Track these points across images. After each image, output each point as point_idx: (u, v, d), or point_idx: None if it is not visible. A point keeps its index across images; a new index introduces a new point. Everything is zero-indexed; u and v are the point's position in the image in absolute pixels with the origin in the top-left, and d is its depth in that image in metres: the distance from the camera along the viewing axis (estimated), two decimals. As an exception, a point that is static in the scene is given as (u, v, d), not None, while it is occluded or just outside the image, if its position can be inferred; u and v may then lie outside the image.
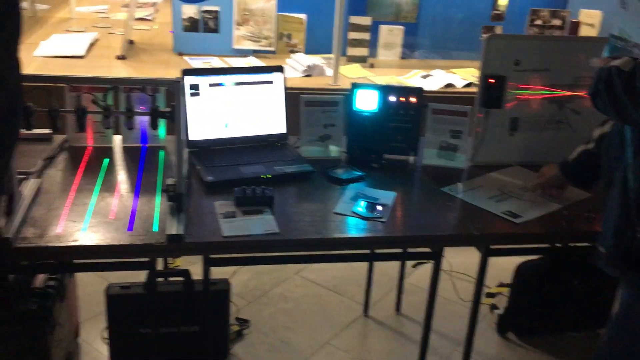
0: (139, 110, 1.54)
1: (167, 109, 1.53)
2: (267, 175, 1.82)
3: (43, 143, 1.97)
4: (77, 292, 2.25)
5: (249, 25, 3.40)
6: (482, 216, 1.72)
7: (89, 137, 2.00)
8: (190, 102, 1.92)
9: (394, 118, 2.01)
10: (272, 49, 3.45)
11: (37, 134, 1.95)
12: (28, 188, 1.64)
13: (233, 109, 1.98)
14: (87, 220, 1.54)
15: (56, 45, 3.26)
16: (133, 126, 1.56)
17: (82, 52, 3.17)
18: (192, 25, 3.36)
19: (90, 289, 2.45)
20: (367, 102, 2.00)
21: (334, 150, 2.04)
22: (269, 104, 2.02)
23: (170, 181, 1.58)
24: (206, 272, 1.70)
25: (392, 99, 2.00)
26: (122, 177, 1.80)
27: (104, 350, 2.21)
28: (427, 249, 1.78)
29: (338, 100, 2.03)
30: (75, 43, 3.29)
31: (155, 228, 1.52)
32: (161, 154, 1.99)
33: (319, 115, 2.02)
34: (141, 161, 1.92)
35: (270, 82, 2.02)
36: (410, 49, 3.74)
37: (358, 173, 1.90)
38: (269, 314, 2.52)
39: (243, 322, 2.41)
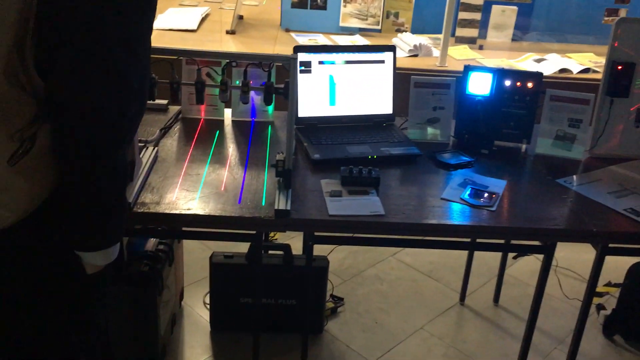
0: (255, 86, 1.57)
1: (281, 86, 1.54)
2: (374, 156, 1.81)
3: (160, 113, 2.05)
4: (183, 257, 2.35)
5: (356, 3, 3.37)
6: (601, 212, 1.62)
7: (202, 110, 2.06)
8: (300, 78, 1.93)
9: (507, 103, 1.93)
10: (378, 27, 3.41)
11: (155, 104, 2.04)
12: (147, 156, 1.71)
13: (342, 87, 1.97)
14: (200, 190, 1.59)
15: (170, 18, 3.38)
16: (248, 101, 1.59)
17: (194, 26, 3.27)
18: (300, 2, 3.38)
19: (194, 256, 2.55)
20: (480, 85, 1.93)
21: (442, 134, 1.99)
22: (377, 83, 2.00)
23: (279, 157, 1.60)
24: (309, 248, 1.72)
25: (508, 83, 1.91)
26: (231, 150, 1.84)
27: (205, 315, 2.31)
28: (532, 242, 1.70)
29: (449, 82, 1.97)
30: (187, 17, 3.40)
31: (263, 202, 1.55)
32: (269, 129, 2.02)
33: (429, 98, 1.97)
34: (250, 135, 1.96)
35: (381, 62, 1.99)
36: (522, 31, 3.57)
37: (466, 158, 1.84)
38: (363, 294, 2.52)
39: (338, 300, 2.43)
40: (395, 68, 2.01)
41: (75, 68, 0.95)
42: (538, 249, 1.68)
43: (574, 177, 1.80)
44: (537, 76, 1.91)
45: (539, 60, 3.07)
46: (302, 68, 1.93)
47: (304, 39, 3.24)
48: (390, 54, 1.99)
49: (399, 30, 3.48)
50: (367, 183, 1.65)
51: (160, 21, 3.30)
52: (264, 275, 2.06)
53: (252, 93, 1.95)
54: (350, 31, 3.40)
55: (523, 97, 1.92)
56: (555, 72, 2.92)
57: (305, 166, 1.77)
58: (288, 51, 3.02)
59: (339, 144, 1.86)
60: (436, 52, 3.08)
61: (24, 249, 1.06)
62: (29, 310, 1.10)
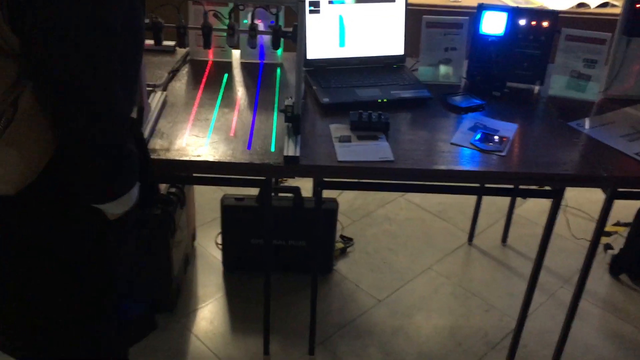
0: (262, 30, 1.53)
1: (289, 29, 1.51)
2: (384, 99, 1.79)
3: (167, 55, 2.03)
4: (194, 199, 2.38)
5: None
6: (612, 156, 1.61)
7: (210, 52, 2.03)
8: (309, 19, 1.89)
9: (521, 43, 1.88)
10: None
11: (162, 47, 2.01)
12: (155, 101, 1.71)
13: (352, 27, 1.92)
14: (209, 136, 1.59)
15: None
16: (255, 45, 1.56)
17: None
18: None
19: (206, 197, 2.59)
20: (493, 25, 1.88)
21: (454, 75, 1.96)
22: (388, 23, 1.95)
23: (288, 102, 1.59)
24: (319, 194, 1.73)
25: (522, 22, 1.86)
26: (240, 93, 1.83)
27: (217, 254, 2.36)
28: (542, 187, 1.71)
29: (462, 22, 1.92)
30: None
31: (273, 148, 1.55)
32: (278, 71, 1.99)
33: (441, 38, 1.92)
34: (259, 78, 1.94)
35: (392, 0, 1.93)
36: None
37: (477, 101, 1.82)
38: (372, 234, 2.56)
39: (347, 240, 2.47)
40: (407, 7, 1.96)
41: (54, 26, 0.91)
42: (547, 192, 1.68)
43: (586, 119, 1.78)
44: (552, 15, 1.86)
45: (556, -5, 2.97)
46: (311, 8, 1.88)
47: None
48: (402, -8, 1.93)
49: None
50: (377, 128, 1.65)
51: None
52: (274, 217, 2.09)
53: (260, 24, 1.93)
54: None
55: (538, 37, 1.87)
56: (572, 7, 2.83)
57: (314, 110, 1.76)
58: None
59: (349, 87, 1.84)
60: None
61: (38, 214, 1.06)
62: (55, 273, 1.12)
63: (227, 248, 2.25)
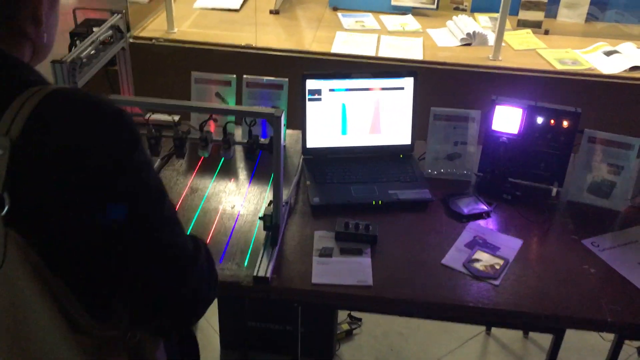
0: (239, 141, 1.45)
1: (266, 141, 1.42)
2: (379, 202, 1.67)
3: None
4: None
5: (410, -20, 3.10)
6: (625, 292, 1.42)
7: (211, 125, 1.97)
8: (310, 107, 1.79)
9: (538, 142, 1.71)
10: (433, 6, 3.14)
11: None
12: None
13: (355, 116, 1.81)
14: (185, 241, 1.53)
15: (215, -5, 3.26)
16: (230, 156, 1.48)
17: (237, 6, 3.15)
18: (350, -22, 3.15)
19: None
20: (507, 122, 1.71)
21: (463, 171, 1.80)
22: (395, 112, 1.82)
23: (267, 210, 1.51)
24: (296, 310, 1.63)
25: (540, 120, 1.69)
26: (231, 184, 1.76)
27: (217, 329, 2.31)
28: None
29: (474, 115, 1.76)
30: (232, -7, 3.26)
31: (246, 262, 1.47)
32: (278, 155, 1.90)
33: (450, 131, 1.78)
34: (257, 162, 1.86)
35: (401, 89, 1.80)
36: (600, 7, 3.17)
37: (483, 207, 1.66)
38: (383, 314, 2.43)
39: (355, 321, 2.36)
40: (416, 95, 1.82)
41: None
42: (547, 327, 1.51)
43: (605, 237, 1.59)
44: (574, 115, 1.67)
45: (609, 53, 2.73)
46: (311, 96, 1.78)
47: (350, 21, 3.04)
48: (411, 79, 1.80)
49: (457, 9, 3.20)
50: (363, 240, 1.53)
51: (204, -1, 3.20)
52: (270, 305, 2.01)
53: (262, 104, 1.85)
54: (402, 10, 3.15)
55: (557, 137, 1.69)
56: (625, 70, 2.58)
57: (304, 209, 1.67)
58: (330, 37, 2.86)
59: (345, 182, 1.73)
60: (493, 40, 2.79)
61: None
62: None
63: (224, 328, 2.19)
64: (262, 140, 1.42)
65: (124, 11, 1.85)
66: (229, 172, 1.83)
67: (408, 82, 1.80)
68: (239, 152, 1.93)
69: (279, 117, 1.36)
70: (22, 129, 0.76)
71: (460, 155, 1.79)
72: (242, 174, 1.82)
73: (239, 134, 1.98)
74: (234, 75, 1.91)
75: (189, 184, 1.75)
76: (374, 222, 1.56)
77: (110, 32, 1.78)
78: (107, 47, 1.78)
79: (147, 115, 1.50)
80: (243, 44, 2.73)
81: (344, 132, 1.82)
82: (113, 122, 0.83)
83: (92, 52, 1.66)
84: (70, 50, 2.62)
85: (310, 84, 1.77)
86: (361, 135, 1.83)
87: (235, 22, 3.00)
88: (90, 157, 0.80)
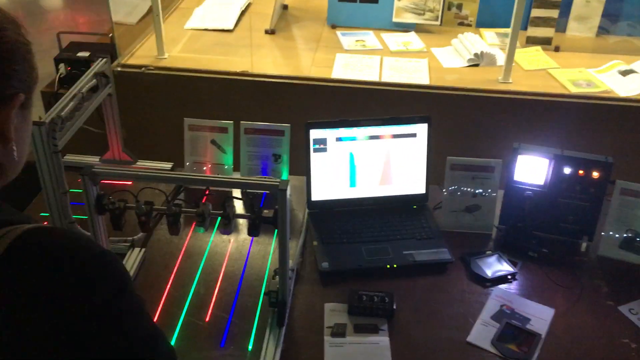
0: (241, 214, 1.30)
1: (270, 214, 1.26)
2: (393, 265, 1.52)
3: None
4: None
5: (412, -4, 2.95)
6: (671, 372, 1.28)
7: (206, 170, 1.82)
8: (314, 158, 1.64)
9: (566, 194, 1.57)
10: (436, 22, 2.98)
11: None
12: (131, 261, 1.51)
13: (364, 166, 1.66)
14: (182, 319, 1.38)
15: (207, 13, 3.10)
16: (230, 231, 1.32)
17: (230, 26, 2.98)
18: (349, -6, 2.99)
19: None
20: (532, 172, 1.57)
21: (483, 224, 1.66)
22: (408, 160, 1.67)
23: (273, 286, 1.36)
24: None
25: (567, 170, 1.55)
26: (230, 247, 1.61)
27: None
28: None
29: (494, 165, 1.62)
30: (225, 12, 3.10)
31: (251, 346, 1.33)
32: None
33: (468, 182, 1.63)
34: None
35: (413, 135, 1.66)
36: (611, 19, 3.02)
37: (509, 269, 1.52)
38: None
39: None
40: (430, 141, 1.67)
41: None
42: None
43: (643, 302, 1.45)
44: (605, 165, 1.53)
45: (625, 73, 2.58)
46: (316, 146, 1.63)
47: (350, 40, 2.88)
48: (424, 125, 1.65)
49: (461, 24, 3.04)
50: (379, 315, 1.39)
51: (196, 18, 3.03)
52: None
53: (262, 152, 1.71)
54: (404, 27, 3.00)
55: (586, 188, 1.55)
56: (643, 94, 2.44)
57: (311, 274, 1.52)
58: (330, 60, 2.70)
59: (355, 242, 1.58)
60: (502, 59, 2.65)
61: None
62: None
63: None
64: (265, 212, 1.27)
65: (109, 56, 1.69)
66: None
67: (421, 129, 1.65)
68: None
69: (284, 190, 1.21)
70: None
71: (480, 207, 1.64)
72: (243, 232, 1.66)
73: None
74: (231, 122, 1.76)
75: (183, 249, 1.59)
76: (390, 292, 1.41)
77: (94, 80, 1.62)
78: (91, 95, 1.63)
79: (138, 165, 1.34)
80: (239, 70, 2.57)
81: (352, 184, 1.67)
82: (93, 269, 0.70)
83: (74, 106, 1.51)
84: (57, 73, 2.45)
85: (315, 133, 1.62)
86: (371, 186, 1.68)
87: (229, 44, 2.84)
88: (66, 311, 0.67)
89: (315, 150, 1.63)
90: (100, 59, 1.69)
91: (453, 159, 1.62)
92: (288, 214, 1.25)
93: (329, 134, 1.62)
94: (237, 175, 1.83)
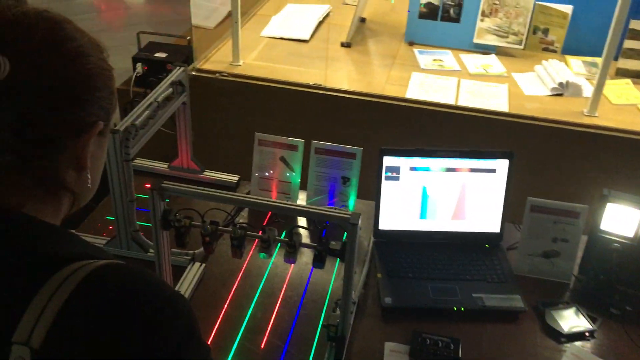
0: (307, 243, 1.24)
1: (337, 246, 1.21)
2: (461, 308, 1.43)
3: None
4: None
5: (496, 17, 2.84)
6: None
7: (273, 192, 1.78)
8: (386, 186, 1.57)
9: (658, 250, 1.44)
10: (519, 46, 2.86)
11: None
12: (190, 276, 1.49)
13: (438, 199, 1.58)
14: (237, 342, 1.34)
15: (285, 22, 3.09)
16: (294, 260, 1.27)
17: (306, 36, 2.95)
18: (430, 12, 2.91)
19: None
20: (620, 222, 1.45)
21: (561, 273, 1.55)
22: (484, 196, 1.58)
23: (332, 319, 1.30)
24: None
25: (662, 225, 1.42)
26: (291, 272, 1.56)
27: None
28: None
29: (579, 211, 1.50)
30: (303, 22, 3.08)
31: (306, 379, 1.27)
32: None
33: (549, 226, 1.52)
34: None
35: (492, 171, 1.56)
36: None
37: (587, 325, 1.41)
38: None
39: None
40: (510, 178, 1.57)
41: None
42: None
43: None
44: None
45: None
46: (389, 174, 1.56)
47: (428, 58, 2.80)
48: (505, 162, 1.55)
49: (546, 50, 2.90)
50: (443, 361, 1.31)
51: (272, 26, 3.02)
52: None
53: (330, 174, 1.66)
54: (485, 49, 2.89)
55: (681, 245, 1.42)
56: None
57: (373, 308, 1.45)
58: (405, 78, 2.63)
59: (421, 278, 1.51)
60: (588, 89, 2.51)
61: None
62: None
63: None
64: (332, 244, 1.21)
65: (186, 65, 1.68)
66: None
67: (501, 165, 1.56)
68: (301, 223, 1.73)
69: (356, 225, 1.15)
70: (46, 335, 0.59)
71: (559, 253, 1.53)
72: (305, 256, 1.61)
73: (302, 197, 1.79)
74: (302, 140, 1.71)
75: (243, 268, 1.55)
76: (456, 339, 1.33)
77: (170, 89, 1.61)
78: (165, 103, 1.62)
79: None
80: (312, 82, 2.53)
81: (423, 216, 1.60)
82: (164, 316, 0.65)
83: (149, 114, 1.50)
84: (134, 72, 2.48)
85: (389, 160, 1.55)
86: (442, 220, 1.60)
87: (303, 55, 2.81)
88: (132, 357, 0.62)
89: (387, 178, 1.56)
90: (178, 67, 1.68)
91: (534, 201, 1.52)
92: (356, 249, 1.19)
93: (402, 162, 1.55)
94: (303, 195, 1.78)
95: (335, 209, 1.64)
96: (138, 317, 0.64)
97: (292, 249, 1.21)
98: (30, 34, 0.66)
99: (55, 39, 0.67)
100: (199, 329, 0.71)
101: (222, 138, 2.60)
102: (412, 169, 1.56)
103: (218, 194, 1.20)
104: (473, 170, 1.56)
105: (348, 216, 1.16)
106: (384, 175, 1.56)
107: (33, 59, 0.65)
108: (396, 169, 1.56)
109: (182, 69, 1.68)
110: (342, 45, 2.91)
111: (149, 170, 1.88)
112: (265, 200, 1.19)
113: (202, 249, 1.52)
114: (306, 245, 1.25)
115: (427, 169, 1.56)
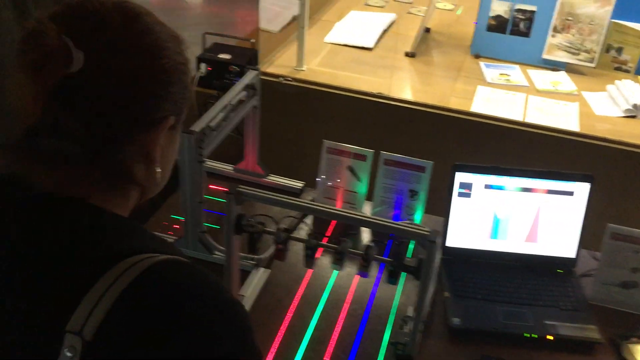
0: (380, 257, 1.21)
1: (412, 262, 1.17)
2: (533, 335, 1.38)
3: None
4: None
5: (569, 34, 2.75)
6: None
7: (338, 200, 1.76)
8: (456, 202, 1.53)
9: None
10: (591, 64, 2.77)
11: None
12: (253, 282, 1.47)
13: (510, 218, 1.53)
14: (300, 355, 1.32)
15: (349, 28, 3.07)
16: (367, 274, 1.24)
17: (370, 44, 2.92)
18: (499, 25, 2.85)
19: None
20: None
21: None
22: (560, 219, 1.52)
23: (400, 337, 1.27)
24: None
25: None
26: (355, 285, 1.53)
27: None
28: None
29: (664, 241, 1.43)
30: (367, 30, 3.06)
31: (370, 397, 1.24)
32: (411, 246, 1.66)
33: (630, 255, 1.45)
34: (384, 255, 1.62)
35: (570, 194, 1.50)
36: None
37: (667, 363, 1.33)
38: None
39: None
40: (590, 203, 1.51)
41: None
42: None
43: None
44: None
45: None
46: (461, 190, 1.52)
47: (494, 73, 2.74)
48: (586, 185, 1.49)
49: (618, 69, 2.80)
50: (513, 389, 1.26)
51: (336, 32, 3.00)
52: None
53: (397, 186, 1.63)
54: (554, 65, 2.81)
55: None
56: None
57: (439, 328, 1.41)
58: (470, 91, 2.57)
59: (490, 300, 1.46)
60: (664, 113, 2.41)
61: None
62: None
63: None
64: (407, 260, 1.18)
65: (259, 69, 1.67)
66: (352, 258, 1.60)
67: (581, 188, 1.50)
68: (365, 234, 1.70)
69: (434, 242, 1.12)
70: (99, 327, 0.60)
71: (638, 284, 1.46)
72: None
73: (367, 210, 1.76)
74: (372, 150, 1.68)
75: (308, 277, 1.53)
76: (528, 367, 1.28)
77: (243, 92, 1.60)
78: (237, 106, 1.61)
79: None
80: (376, 92, 2.50)
81: (494, 235, 1.54)
82: (219, 320, 0.64)
83: (223, 116, 1.49)
84: (197, 70, 2.50)
85: (461, 177, 1.51)
86: (514, 241, 1.54)
87: (367, 63, 2.78)
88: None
89: (460, 195, 1.52)
90: (251, 70, 1.68)
91: (615, 228, 1.45)
92: (434, 267, 1.15)
93: (476, 180, 1.51)
94: (368, 206, 1.75)
95: (413, 225, 1.60)
96: (190, 317, 0.62)
97: (366, 263, 1.19)
98: (106, 26, 0.65)
99: (132, 32, 0.66)
100: (253, 339, 0.69)
101: (281, 142, 2.59)
102: (487, 186, 1.51)
103: (299, 202, 1.19)
104: (550, 192, 1.50)
105: (427, 233, 1.12)
106: (456, 191, 1.52)
107: (107, 53, 0.64)
108: (468, 186, 1.51)
109: (255, 72, 1.67)
110: (407, 55, 2.87)
111: (212, 171, 1.88)
112: (347, 212, 1.16)
113: (266, 254, 1.52)
114: (380, 260, 1.22)
115: (501, 188, 1.51)
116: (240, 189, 1.19)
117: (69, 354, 0.60)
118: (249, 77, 1.64)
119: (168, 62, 0.68)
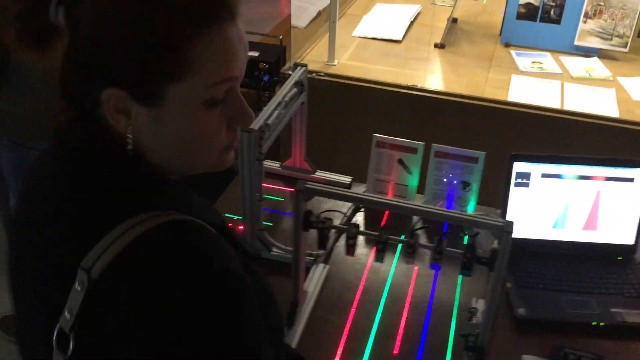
0: (453, 250, 1.21)
1: (485, 254, 1.17)
2: (600, 323, 1.37)
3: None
4: None
5: (600, 19, 2.73)
6: None
7: (389, 191, 1.75)
8: (514, 192, 1.52)
9: None
10: (624, 49, 2.74)
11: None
12: (315, 280, 1.48)
13: (569, 207, 1.52)
14: (368, 350, 1.32)
15: (376, 22, 3.06)
16: (413, 262, 1.23)
17: (399, 37, 2.91)
18: (528, 13, 2.83)
19: None
20: None
21: None
22: (619, 206, 1.51)
23: (472, 329, 1.26)
24: None
25: None
26: (414, 276, 1.53)
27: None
28: None
29: None
30: (394, 22, 3.04)
31: (444, 388, 1.24)
32: (465, 238, 1.65)
33: (693, 240, 1.44)
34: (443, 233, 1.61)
35: (629, 180, 1.49)
36: None
37: None
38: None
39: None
40: (649, 188, 1.50)
41: None
42: None
43: None
44: None
45: None
46: (519, 180, 1.51)
47: (526, 61, 2.72)
48: (645, 170, 1.48)
49: (652, 54, 2.78)
50: (587, 378, 1.25)
51: (363, 26, 3.00)
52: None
53: (450, 176, 1.62)
54: (586, 51, 2.78)
55: None
56: None
57: (504, 318, 1.41)
58: (505, 81, 2.56)
59: (553, 290, 1.45)
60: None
61: None
62: None
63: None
64: (479, 252, 1.18)
65: (307, 65, 1.67)
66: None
67: (640, 174, 1.48)
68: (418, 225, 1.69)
69: (510, 233, 1.11)
70: (105, 269, 0.65)
71: (702, 270, 1.45)
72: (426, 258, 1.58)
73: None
74: (422, 143, 1.68)
75: (366, 271, 1.53)
76: (600, 355, 1.27)
77: (294, 89, 1.60)
78: (288, 103, 1.61)
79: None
80: (409, 84, 2.50)
81: (552, 224, 1.54)
82: (209, 282, 0.67)
83: (278, 114, 1.49)
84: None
85: (519, 166, 1.50)
86: (573, 230, 1.54)
87: (397, 55, 2.77)
88: (170, 322, 0.64)
89: (517, 185, 1.51)
90: (298, 67, 1.67)
91: (678, 213, 1.44)
92: (505, 259, 1.15)
93: (534, 169, 1.50)
94: (420, 198, 1.75)
95: (487, 216, 1.59)
96: (185, 279, 0.65)
97: (411, 249, 1.18)
98: None
99: None
100: (249, 316, 0.69)
101: (316, 137, 2.59)
102: (544, 175, 1.50)
103: (366, 197, 1.18)
104: (609, 179, 1.49)
105: (502, 224, 1.12)
106: (513, 181, 1.51)
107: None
108: (526, 175, 1.51)
109: (303, 68, 1.67)
110: (436, 46, 2.86)
111: (266, 170, 1.88)
112: (417, 206, 1.16)
113: (323, 251, 1.52)
114: (452, 253, 1.21)
115: (560, 176, 1.50)
116: (309, 186, 1.19)
117: (78, 288, 0.65)
118: (298, 73, 1.64)
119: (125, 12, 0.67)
